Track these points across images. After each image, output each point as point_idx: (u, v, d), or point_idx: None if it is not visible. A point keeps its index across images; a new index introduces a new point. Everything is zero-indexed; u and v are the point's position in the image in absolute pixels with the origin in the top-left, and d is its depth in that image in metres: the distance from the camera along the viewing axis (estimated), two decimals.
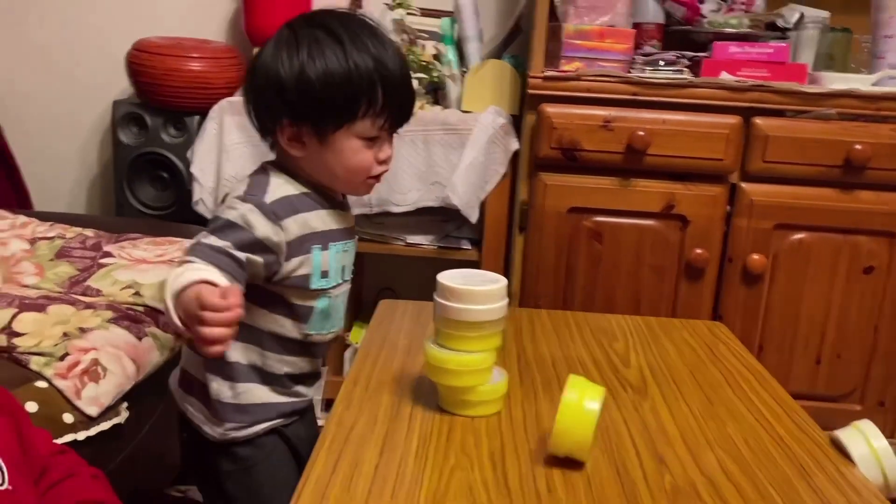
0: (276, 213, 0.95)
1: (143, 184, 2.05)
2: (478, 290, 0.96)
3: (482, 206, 1.91)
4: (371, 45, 0.97)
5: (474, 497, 0.83)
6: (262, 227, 0.93)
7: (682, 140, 1.71)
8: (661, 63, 1.74)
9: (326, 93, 0.95)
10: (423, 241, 2.03)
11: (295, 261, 0.98)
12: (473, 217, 1.89)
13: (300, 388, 1.08)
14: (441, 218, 2.08)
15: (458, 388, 0.98)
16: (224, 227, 0.92)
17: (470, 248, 2.02)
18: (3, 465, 0.65)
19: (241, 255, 0.91)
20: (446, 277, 0.98)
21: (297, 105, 0.96)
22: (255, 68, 1.00)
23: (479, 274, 1.01)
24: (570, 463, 0.89)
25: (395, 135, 1.04)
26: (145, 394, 1.34)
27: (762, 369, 1.21)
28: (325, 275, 1.02)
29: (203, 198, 1.91)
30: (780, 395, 1.12)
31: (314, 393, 1.12)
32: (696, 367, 1.21)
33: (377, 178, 1.04)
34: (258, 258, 0.94)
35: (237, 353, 1.00)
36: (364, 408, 1.01)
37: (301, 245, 0.98)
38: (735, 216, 1.76)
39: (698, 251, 1.75)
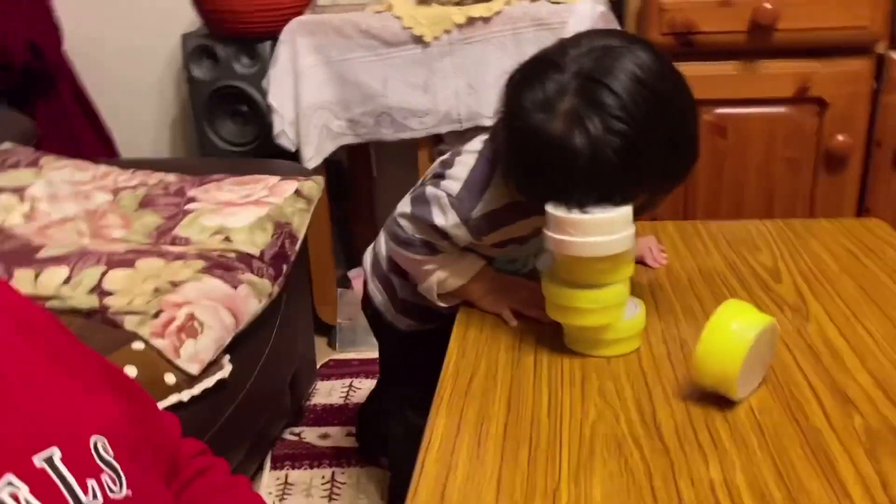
0: (479, 228, 0.94)
1: (224, 120, 1.96)
2: (602, 217, 0.79)
3: None
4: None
5: (625, 456, 0.71)
6: (464, 240, 0.95)
7: (816, 8, 1.46)
8: None
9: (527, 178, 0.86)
10: None
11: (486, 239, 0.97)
12: None
13: None
14: None
15: (589, 328, 0.85)
16: (430, 231, 0.95)
17: None
18: (119, 469, 0.53)
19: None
20: (558, 207, 0.82)
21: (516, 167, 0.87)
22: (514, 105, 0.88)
23: None
24: (728, 402, 0.76)
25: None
26: (247, 342, 1.27)
27: None
28: (512, 262, 1.04)
29: (284, 129, 1.80)
30: None
31: None
32: (861, 276, 1.03)
33: None
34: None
35: None
36: (481, 354, 0.89)
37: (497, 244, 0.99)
38: (884, 93, 1.52)
39: (840, 138, 1.53)
